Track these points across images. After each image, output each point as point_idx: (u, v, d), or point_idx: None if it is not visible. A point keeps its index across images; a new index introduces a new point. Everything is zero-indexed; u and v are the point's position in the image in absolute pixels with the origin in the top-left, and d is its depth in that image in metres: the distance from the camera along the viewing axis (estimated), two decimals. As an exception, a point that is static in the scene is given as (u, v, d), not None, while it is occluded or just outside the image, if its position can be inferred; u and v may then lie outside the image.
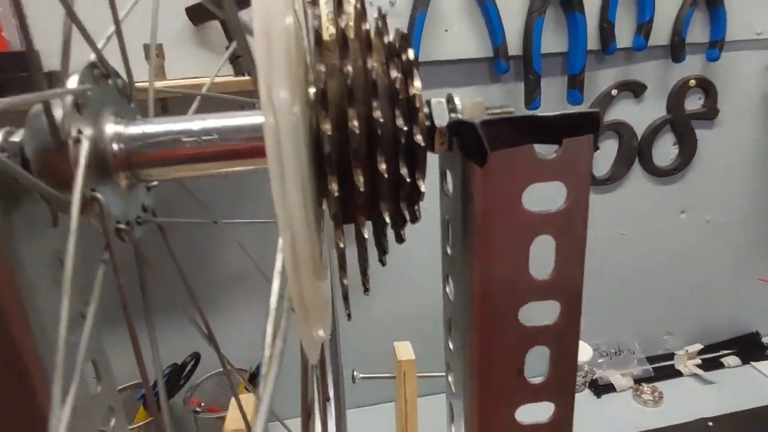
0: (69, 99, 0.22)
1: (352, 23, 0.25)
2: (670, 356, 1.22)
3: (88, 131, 0.23)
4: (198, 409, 0.97)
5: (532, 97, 0.94)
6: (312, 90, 0.23)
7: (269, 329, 0.17)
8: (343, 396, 0.64)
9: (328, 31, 0.23)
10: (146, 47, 0.79)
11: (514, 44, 0.93)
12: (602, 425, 1.07)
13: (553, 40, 0.95)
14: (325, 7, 0.24)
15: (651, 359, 1.21)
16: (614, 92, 1.02)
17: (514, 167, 0.24)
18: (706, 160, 1.11)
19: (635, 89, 1.03)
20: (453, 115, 0.25)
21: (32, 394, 0.25)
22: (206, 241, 0.95)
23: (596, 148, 1.06)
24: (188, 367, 0.98)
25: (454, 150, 0.25)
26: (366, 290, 0.23)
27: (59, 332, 0.18)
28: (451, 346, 0.31)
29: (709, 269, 1.21)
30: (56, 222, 0.27)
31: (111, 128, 0.24)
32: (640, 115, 1.05)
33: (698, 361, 1.20)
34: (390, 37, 0.24)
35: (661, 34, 0.98)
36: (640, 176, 1.10)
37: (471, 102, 0.26)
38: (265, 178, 0.17)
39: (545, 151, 0.24)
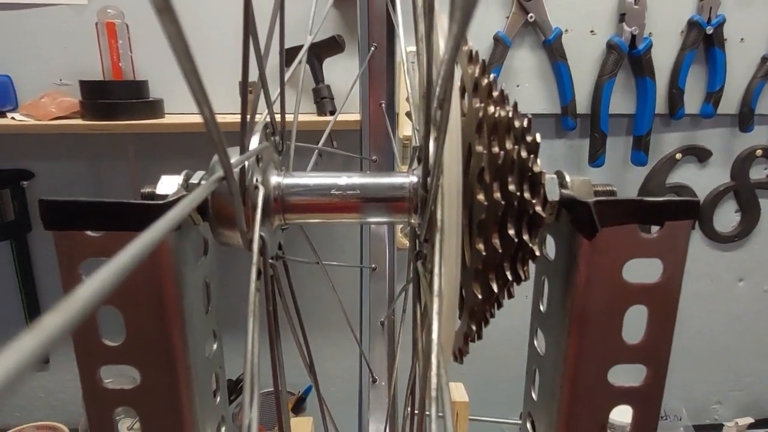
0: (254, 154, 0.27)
1: (494, 108, 0.29)
2: (719, 427, 1.19)
3: (261, 182, 0.27)
4: (245, 426, 1.00)
5: (596, 155, 0.97)
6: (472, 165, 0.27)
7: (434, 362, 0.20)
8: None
9: (479, 115, 0.27)
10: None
11: (582, 103, 0.96)
12: (643, 491, 1.04)
13: (621, 101, 0.98)
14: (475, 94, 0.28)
15: (698, 428, 1.17)
16: (678, 156, 1.03)
17: (619, 243, 0.27)
18: (769, 230, 1.10)
19: (700, 154, 1.04)
20: (563, 191, 0.28)
21: (179, 397, 0.29)
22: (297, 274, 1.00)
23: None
24: (240, 384, 1.02)
25: (560, 220, 0.29)
26: (479, 337, 0.27)
27: (246, 352, 0.22)
28: (534, 396, 0.34)
29: (766, 340, 1.18)
30: (206, 252, 0.32)
31: (275, 179, 0.28)
32: (703, 180, 1.06)
33: (748, 435, 1.17)
34: (524, 122, 0.28)
35: (730, 103, 1.00)
36: (699, 241, 1.10)
37: (579, 180, 0.29)
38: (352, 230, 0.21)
39: (647, 230, 0.27)
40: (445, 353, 0.22)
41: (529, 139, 0.27)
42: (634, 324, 0.30)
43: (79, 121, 0.80)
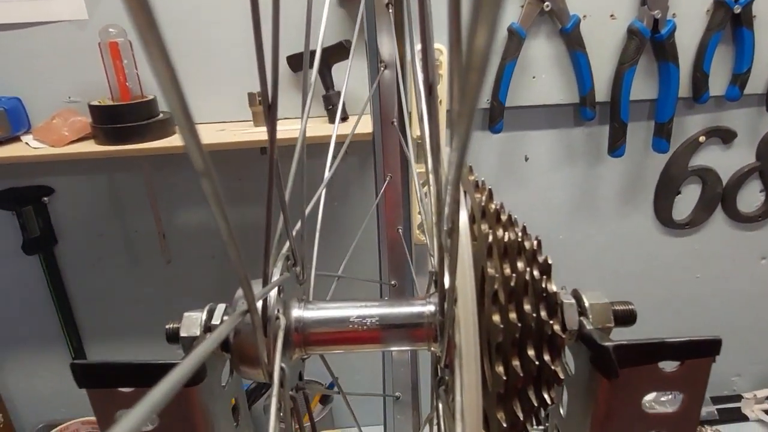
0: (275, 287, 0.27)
1: (503, 232, 0.28)
2: (737, 398, 1.21)
3: (282, 314, 0.28)
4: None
5: (616, 145, 0.94)
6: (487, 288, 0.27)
7: None
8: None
9: (489, 239, 0.27)
10: (250, 96, 0.85)
11: (601, 91, 0.93)
12: (661, 464, 1.08)
13: (642, 88, 0.94)
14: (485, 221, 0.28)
15: (716, 400, 1.20)
16: (702, 138, 1.00)
17: (639, 380, 0.27)
18: (795, 209, 1.07)
19: (724, 136, 1.00)
20: (582, 320, 0.28)
21: None
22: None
23: (678, 192, 1.05)
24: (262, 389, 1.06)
25: (579, 344, 0.29)
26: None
27: None
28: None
29: (787, 315, 1.18)
30: (232, 372, 0.33)
31: (296, 312, 0.29)
32: (727, 161, 1.03)
33: (766, 406, 1.19)
34: (534, 243, 0.27)
35: (756, 82, 0.95)
36: (722, 222, 1.08)
37: (598, 305, 0.29)
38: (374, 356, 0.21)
39: (668, 365, 0.27)
40: None
41: (540, 259, 0.27)
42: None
43: (92, 145, 0.80)
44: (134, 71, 0.82)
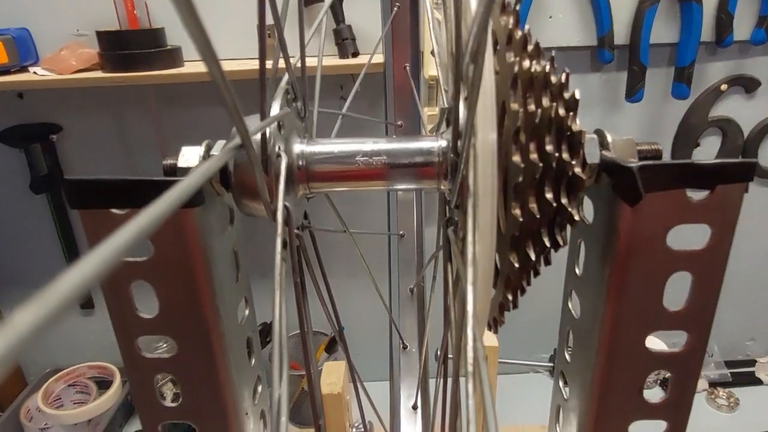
0: (275, 123, 0.25)
1: (529, 62, 0.26)
2: (752, 362, 1.19)
3: (284, 150, 0.26)
4: (282, 365, 1.05)
5: (634, 89, 0.91)
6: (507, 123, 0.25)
7: (470, 332, 0.20)
8: (429, 398, 0.68)
9: (514, 70, 0.25)
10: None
11: (621, 33, 0.90)
12: (671, 424, 1.06)
13: (663, 30, 0.91)
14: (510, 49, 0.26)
15: (730, 364, 1.18)
16: (724, 87, 0.97)
17: (664, 209, 0.25)
18: (818, 164, 1.04)
19: (747, 85, 0.97)
20: (604, 152, 0.27)
21: (214, 362, 0.29)
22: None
23: (697, 144, 1.02)
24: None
25: (600, 183, 0.27)
26: (515, 306, 0.26)
27: (274, 317, 0.22)
28: (567, 357, 0.33)
29: (805, 277, 1.15)
30: (232, 221, 0.31)
31: (298, 147, 0.27)
32: (750, 112, 1.00)
33: (781, 370, 1.16)
34: (561, 77, 0.25)
35: (784, 27, 0.92)
36: (741, 176, 1.05)
37: (622, 140, 0.27)
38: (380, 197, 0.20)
39: (696, 194, 0.25)
40: (480, 325, 0.21)
41: (567, 95, 0.25)
42: (677, 288, 0.29)
43: (100, 74, 0.79)
44: (143, 1, 0.81)
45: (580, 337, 0.31)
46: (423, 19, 0.88)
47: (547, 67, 0.25)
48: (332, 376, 0.69)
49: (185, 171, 0.28)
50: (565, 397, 0.34)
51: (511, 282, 0.25)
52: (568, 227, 0.26)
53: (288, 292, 0.27)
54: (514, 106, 0.23)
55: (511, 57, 0.27)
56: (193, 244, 0.27)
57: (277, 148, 0.25)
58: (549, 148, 0.23)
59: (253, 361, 0.35)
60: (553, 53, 0.27)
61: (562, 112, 0.24)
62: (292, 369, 1.05)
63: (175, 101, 0.92)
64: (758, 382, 1.16)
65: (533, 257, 0.24)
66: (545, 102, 0.24)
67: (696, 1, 0.87)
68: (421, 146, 0.28)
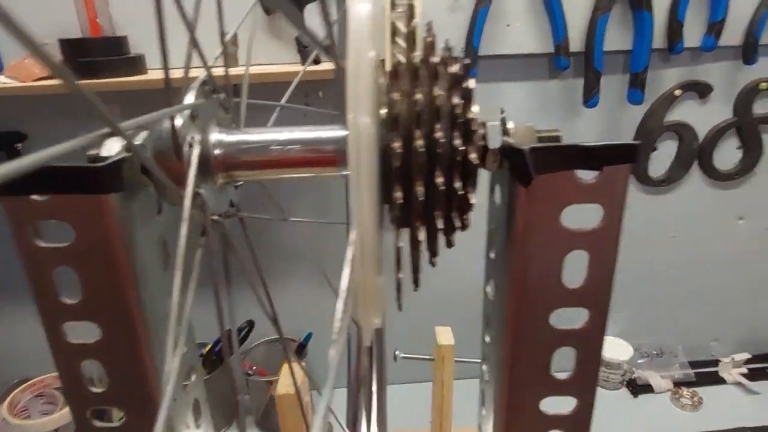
0: (187, 111, 0.27)
1: (422, 54, 0.28)
2: (715, 363, 1.21)
3: (198, 138, 0.27)
4: (249, 372, 1.05)
5: (590, 94, 0.94)
6: (384, 111, 0.26)
7: (339, 306, 0.21)
8: (386, 372, 0.69)
9: (403, 61, 0.26)
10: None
11: (576, 41, 0.93)
12: (637, 425, 1.08)
13: (617, 38, 0.94)
14: (402, 39, 0.28)
15: (694, 364, 1.20)
16: (678, 92, 1.00)
17: (556, 189, 0.27)
18: (771, 167, 1.08)
19: (701, 90, 1.01)
20: (505, 138, 0.28)
21: (138, 347, 0.30)
22: (272, 231, 1.01)
23: (654, 149, 1.05)
24: (243, 333, 1.05)
25: (503, 168, 0.29)
26: (416, 287, 0.27)
27: (173, 298, 0.23)
28: (487, 338, 0.35)
29: (764, 278, 1.18)
30: (160, 210, 0.33)
31: (215, 136, 0.29)
32: (703, 116, 1.03)
33: (744, 370, 1.19)
34: (455, 68, 0.27)
35: (733, 34, 0.96)
36: (698, 179, 1.08)
37: (523, 126, 0.29)
38: (323, 185, 0.21)
39: (586, 175, 0.27)
40: (367, 299, 0.22)
41: (464, 85, 0.27)
42: (577, 267, 0.30)
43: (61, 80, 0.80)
44: (106, 9, 0.82)
45: (494, 318, 0.33)
46: (385, 27, 0.90)
47: (436, 59, 0.27)
48: (289, 378, 0.70)
49: (105, 161, 0.29)
50: (486, 378, 0.35)
51: (400, 262, 0.26)
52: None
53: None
54: (396, 95, 0.24)
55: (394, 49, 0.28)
56: (112, 231, 0.28)
57: (189, 138, 0.27)
58: (438, 134, 0.25)
59: (186, 350, 0.36)
60: (450, 45, 0.28)
61: (455, 100, 0.26)
62: (259, 375, 1.05)
63: (140, 107, 0.92)
64: (722, 381, 1.18)
65: (422, 238, 0.25)
66: (437, 91, 0.25)
67: (647, 9, 0.90)
68: (329, 135, 0.29)
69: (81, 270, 0.28)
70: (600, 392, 1.18)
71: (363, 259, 0.22)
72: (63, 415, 0.95)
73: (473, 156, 0.26)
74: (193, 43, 0.27)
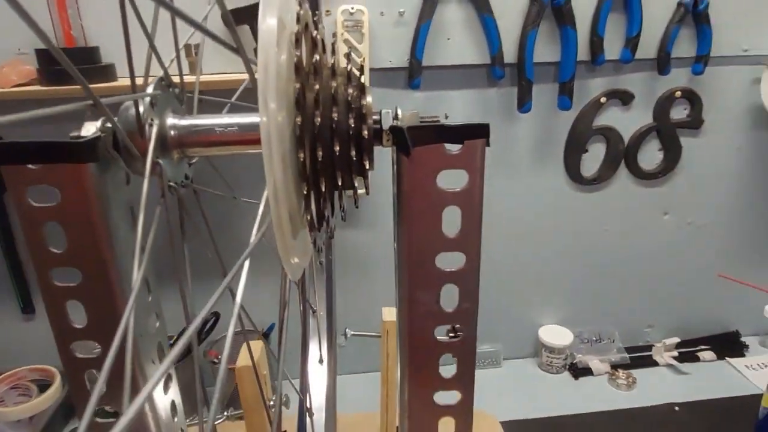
0: (147, 99, 0.35)
1: (327, 56, 0.37)
2: (649, 347, 1.32)
3: (156, 120, 0.36)
4: (215, 361, 1.11)
5: (523, 101, 1.05)
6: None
7: (254, 229, 0.30)
8: (336, 353, 0.77)
9: (310, 60, 0.35)
10: (186, 47, 0.93)
11: (510, 53, 1.04)
12: (577, 404, 1.17)
13: (547, 50, 1.05)
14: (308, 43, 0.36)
15: (630, 349, 1.31)
16: (603, 99, 1.12)
17: (430, 158, 0.36)
18: (690, 166, 1.20)
19: (623, 98, 1.12)
20: (395, 121, 0.37)
21: (111, 290, 0.38)
22: (231, 215, 1.09)
23: (585, 150, 1.16)
24: (209, 324, 1.12)
25: (395, 146, 0.38)
26: (318, 230, 0.36)
27: (136, 252, 0.31)
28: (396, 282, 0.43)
29: (691, 268, 1.30)
30: (128, 182, 0.41)
31: (170, 120, 0.37)
32: (627, 121, 1.15)
33: (675, 353, 1.30)
34: (349, 67, 0.36)
35: (649, 48, 1.08)
36: (626, 178, 1.20)
37: (409, 113, 0.38)
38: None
39: (453, 148, 0.36)
40: (283, 239, 0.30)
41: (359, 81, 0.36)
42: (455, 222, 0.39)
43: (37, 87, 0.87)
44: (79, 22, 0.89)
45: (398, 266, 0.41)
46: (337, 41, 1.00)
47: (331, 60, 0.35)
48: (248, 354, 0.77)
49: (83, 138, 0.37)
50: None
51: (309, 206, 0.34)
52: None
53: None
54: (295, 85, 0.33)
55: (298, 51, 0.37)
56: (90, 193, 0.36)
57: (149, 119, 0.35)
58: (334, 115, 0.33)
59: (150, 298, 0.43)
60: (351, 52, 0.37)
61: (350, 91, 0.35)
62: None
63: (112, 113, 0.99)
64: (655, 363, 1.29)
65: (323, 189, 0.34)
66: (334, 83, 0.34)
67: (570, 25, 1.01)
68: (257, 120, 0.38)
69: (65, 225, 0.36)
70: (544, 376, 1.28)
71: (276, 207, 0.30)
72: (38, 402, 1.00)
73: (365, 132, 0.35)
74: (153, 49, 0.35)
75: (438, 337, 0.40)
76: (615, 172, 1.19)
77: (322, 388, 0.73)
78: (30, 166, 0.35)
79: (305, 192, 0.33)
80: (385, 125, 0.37)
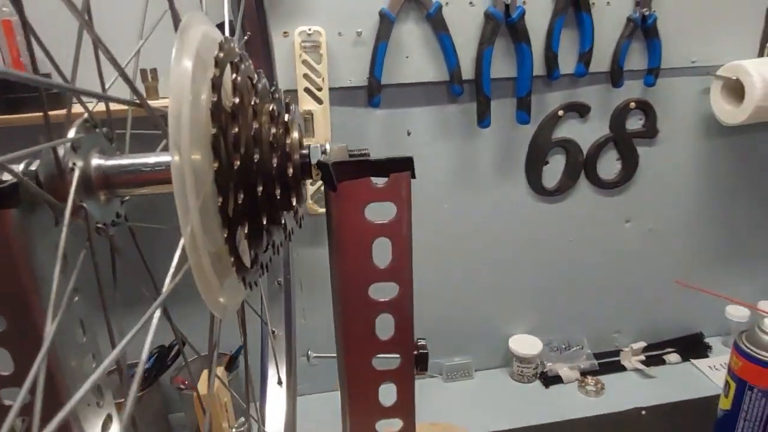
0: (68, 143, 0.35)
1: (250, 97, 0.37)
2: (617, 353, 1.34)
3: (79, 163, 0.35)
4: (182, 387, 1.10)
5: (482, 117, 1.07)
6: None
7: (168, 278, 0.29)
8: (295, 376, 0.77)
9: (230, 102, 0.35)
10: (142, 72, 0.93)
11: (468, 70, 1.05)
12: (548, 413, 1.18)
13: (503, 66, 1.07)
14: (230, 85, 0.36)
15: (599, 355, 1.32)
16: (561, 113, 1.14)
17: (357, 192, 0.36)
18: (648, 175, 1.23)
19: (580, 110, 1.15)
20: (323, 156, 0.38)
21: (34, 323, 0.37)
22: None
23: (546, 162, 1.18)
24: (174, 350, 1.10)
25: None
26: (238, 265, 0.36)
27: (53, 283, 0.31)
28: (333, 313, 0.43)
29: (654, 274, 1.32)
30: (57, 223, 0.40)
31: (95, 161, 0.37)
32: (585, 133, 1.17)
33: (642, 357, 1.32)
34: (275, 107, 0.36)
35: (602, 61, 1.10)
36: (587, 188, 1.22)
37: (337, 146, 0.38)
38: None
39: (379, 181, 0.36)
40: (202, 282, 0.30)
41: (283, 119, 0.36)
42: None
43: (-11, 116, 0.85)
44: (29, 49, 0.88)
45: (334, 296, 0.41)
46: (295, 62, 1.00)
47: (255, 100, 0.35)
48: (207, 382, 0.77)
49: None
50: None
51: (233, 248, 0.34)
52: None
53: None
54: (213, 130, 0.32)
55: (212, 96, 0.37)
56: (12, 238, 0.35)
57: (71, 163, 0.35)
58: (256, 157, 0.33)
59: (85, 338, 0.43)
60: (283, 94, 0.37)
61: (273, 130, 0.35)
62: (192, 390, 1.10)
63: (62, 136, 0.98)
64: (623, 368, 1.31)
65: (246, 231, 0.34)
66: (255, 124, 0.34)
67: (525, 42, 1.03)
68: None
69: (-13, 272, 0.35)
70: (515, 385, 1.29)
71: (194, 254, 0.30)
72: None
73: (290, 170, 0.35)
74: (73, 89, 0.35)
75: (375, 367, 0.41)
76: (576, 182, 1.21)
77: (282, 411, 0.72)
78: (-52, 213, 0.34)
79: (224, 236, 0.33)
80: (314, 160, 0.37)
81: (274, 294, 0.78)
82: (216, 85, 0.32)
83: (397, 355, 0.41)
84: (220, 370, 0.79)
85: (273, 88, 0.38)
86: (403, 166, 0.36)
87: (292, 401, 0.72)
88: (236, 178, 0.32)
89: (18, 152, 0.30)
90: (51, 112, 0.83)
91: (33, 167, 0.37)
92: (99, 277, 0.37)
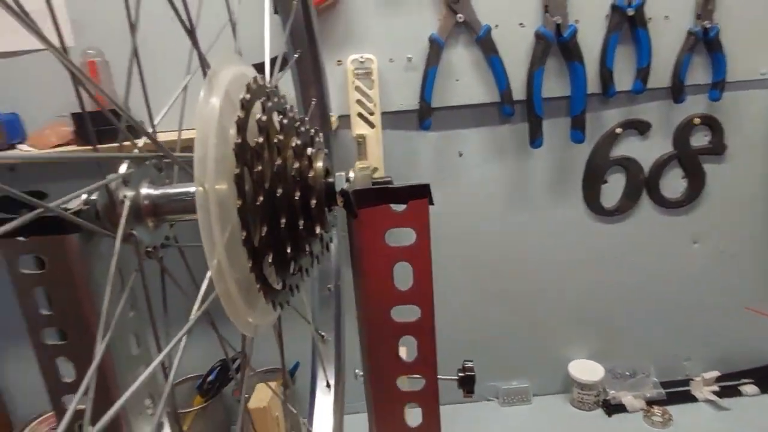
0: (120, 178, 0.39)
1: (275, 134, 0.39)
2: (687, 382, 1.26)
3: (130, 194, 0.40)
4: (239, 399, 1.15)
5: (535, 137, 1.06)
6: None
7: (199, 295, 0.32)
8: (344, 382, 0.78)
9: (255, 139, 0.38)
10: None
11: (518, 90, 1.05)
12: (611, 443, 1.13)
13: (556, 85, 1.06)
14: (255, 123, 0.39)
15: (668, 384, 1.25)
16: (619, 130, 1.10)
17: (377, 219, 0.38)
18: (717, 193, 1.16)
19: (639, 127, 1.11)
20: (347, 184, 0.40)
21: (92, 336, 0.41)
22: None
23: (604, 181, 1.14)
24: (236, 364, 1.16)
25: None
26: (265, 290, 0.38)
27: (104, 301, 0.34)
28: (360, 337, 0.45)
29: (726, 298, 1.24)
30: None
31: (144, 191, 0.41)
32: (646, 150, 1.13)
33: (715, 387, 1.23)
34: (300, 140, 0.39)
35: (662, 77, 1.07)
36: (649, 208, 1.17)
37: (361, 174, 0.40)
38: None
39: (398, 208, 0.38)
40: (229, 305, 0.33)
41: (307, 152, 0.39)
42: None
43: (73, 147, 0.95)
44: (111, 86, 0.97)
45: (359, 318, 0.43)
46: (348, 89, 1.04)
47: (279, 137, 0.38)
48: (262, 393, 0.80)
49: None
50: (362, 373, 0.45)
51: (259, 277, 0.36)
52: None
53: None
54: (236, 169, 0.35)
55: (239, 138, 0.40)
56: (73, 261, 0.40)
57: (122, 195, 0.39)
58: (279, 191, 0.36)
59: (138, 350, 0.47)
60: (313, 131, 0.40)
61: (297, 165, 0.37)
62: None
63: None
64: (693, 399, 1.23)
65: (270, 261, 0.36)
66: (279, 161, 0.37)
67: (578, 60, 1.02)
68: (230, 187, 0.41)
69: (52, 290, 0.40)
70: (576, 413, 1.25)
71: (220, 276, 0.33)
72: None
73: (313, 201, 0.37)
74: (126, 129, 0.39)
75: (400, 387, 0.42)
76: (637, 201, 1.16)
77: (329, 418, 0.74)
78: (20, 238, 0.39)
79: (250, 266, 0.36)
80: (338, 188, 0.39)
81: (324, 300, 0.80)
82: (240, 127, 0.35)
83: (419, 376, 0.42)
84: (274, 384, 0.82)
85: (301, 117, 0.40)
86: (421, 192, 0.37)
87: (339, 407, 0.74)
88: (260, 212, 0.35)
89: (78, 191, 0.35)
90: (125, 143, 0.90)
91: (93, 197, 0.42)
92: (148, 295, 0.41)
